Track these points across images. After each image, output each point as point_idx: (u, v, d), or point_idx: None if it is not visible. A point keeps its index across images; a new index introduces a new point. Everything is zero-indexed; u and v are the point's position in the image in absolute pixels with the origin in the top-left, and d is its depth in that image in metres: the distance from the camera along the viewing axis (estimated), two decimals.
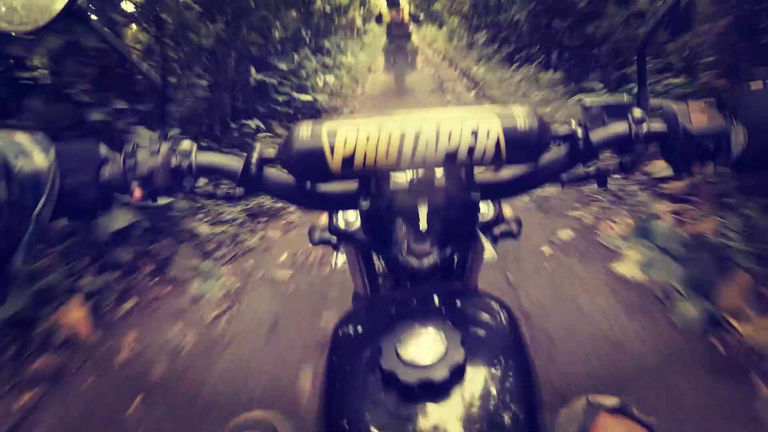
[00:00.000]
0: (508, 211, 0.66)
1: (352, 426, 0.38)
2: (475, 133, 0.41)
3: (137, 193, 0.48)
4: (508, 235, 0.64)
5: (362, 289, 0.79)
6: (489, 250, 0.60)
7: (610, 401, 0.54)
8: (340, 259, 0.78)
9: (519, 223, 0.64)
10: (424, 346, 0.38)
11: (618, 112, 0.52)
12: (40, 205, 0.41)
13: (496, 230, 0.61)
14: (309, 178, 0.47)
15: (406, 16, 6.31)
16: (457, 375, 0.37)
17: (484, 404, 0.37)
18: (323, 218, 0.68)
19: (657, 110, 0.53)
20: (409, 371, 0.37)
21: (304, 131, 0.43)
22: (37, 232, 0.41)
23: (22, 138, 0.42)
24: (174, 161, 0.49)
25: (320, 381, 0.45)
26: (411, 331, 0.40)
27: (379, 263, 0.80)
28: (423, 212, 0.47)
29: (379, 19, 6.62)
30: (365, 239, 0.54)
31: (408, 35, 6.32)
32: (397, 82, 6.49)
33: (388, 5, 6.30)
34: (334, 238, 0.64)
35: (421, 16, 12.07)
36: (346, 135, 0.41)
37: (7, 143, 0.40)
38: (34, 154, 0.42)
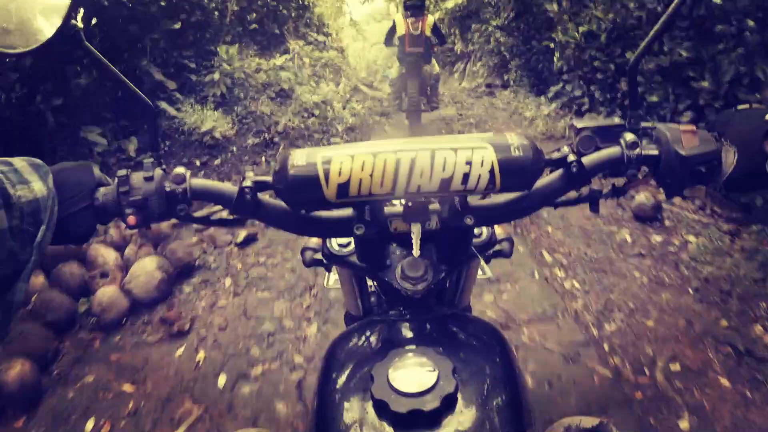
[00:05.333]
0: (499, 230, 0.66)
1: None
2: (469, 162, 0.41)
3: (131, 219, 0.47)
4: (500, 254, 0.64)
5: (355, 309, 0.79)
6: (484, 271, 0.59)
7: (589, 422, 0.53)
8: (332, 278, 0.77)
9: (510, 242, 0.64)
10: (416, 375, 0.38)
11: (610, 134, 0.53)
12: (40, 234, 0.40)
13: (490, 251, 0.62)
14: (304, 207, 0.47)
15: (428, 29, 4.01)
16: (448, 404, 0.37)
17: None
18: (315, 238, 0.67)
19: (649, 132, 0.53)
20: (400, 400, 0.37)
21: (298, 159, 0.42)
22: (38, 261, 0.40)
23: (20, 165, 0.42)
24: (168, 187, 0.48)
25: (312, 404, 0.45)
26: (403, 359, 0.40)
27: (372, 284, 0.79)
28: (417, 238, 0.47)
29: (389, 37, 4.21)
30: (359, 264, 0.54)
31: (428, 56, 4.11)
32: (412, 130, 4.28)
33: (406, 13, 4.04)
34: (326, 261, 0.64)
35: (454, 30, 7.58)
36: (341, 163, 0.41)
37: (5, 171, 0.40)
38: (32, 183, 0.41)
